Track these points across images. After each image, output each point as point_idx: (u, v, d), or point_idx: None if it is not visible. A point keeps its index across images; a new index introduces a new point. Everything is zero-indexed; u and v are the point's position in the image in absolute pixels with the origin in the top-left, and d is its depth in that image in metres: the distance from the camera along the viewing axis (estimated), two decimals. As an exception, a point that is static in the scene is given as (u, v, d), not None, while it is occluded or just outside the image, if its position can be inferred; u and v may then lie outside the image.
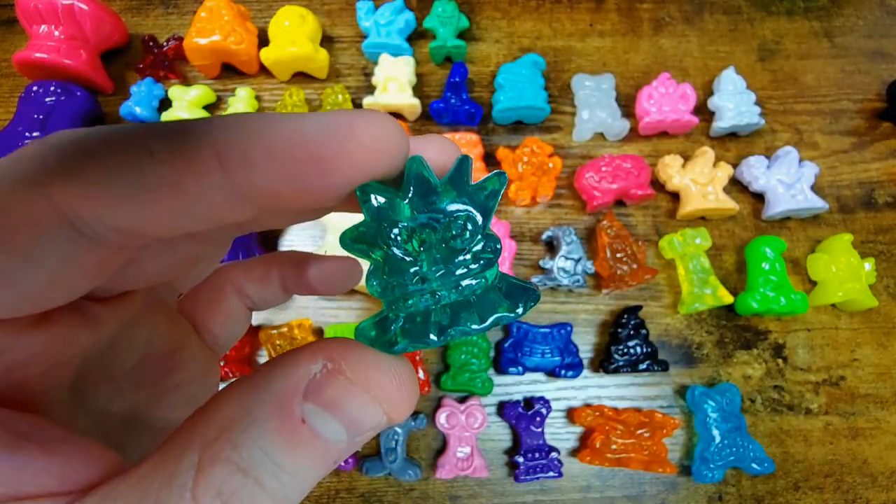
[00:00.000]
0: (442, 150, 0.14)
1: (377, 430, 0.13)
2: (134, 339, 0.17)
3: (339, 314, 0.52)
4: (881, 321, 0.52)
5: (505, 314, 0.14)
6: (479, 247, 0.13)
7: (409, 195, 0.13)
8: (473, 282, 0.14)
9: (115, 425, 0.17)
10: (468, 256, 0.13)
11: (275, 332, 0.49)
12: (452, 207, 0.13)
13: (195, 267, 0.19)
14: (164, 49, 0.59)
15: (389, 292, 0.13)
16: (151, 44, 0.59)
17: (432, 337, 0.13)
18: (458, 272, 0.13)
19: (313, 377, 0.12)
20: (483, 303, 0.14)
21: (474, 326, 0.14)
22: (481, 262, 0.14)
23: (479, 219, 0.13)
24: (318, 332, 0.51)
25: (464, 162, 0.13)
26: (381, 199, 0.13)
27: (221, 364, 0.47)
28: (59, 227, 0.11)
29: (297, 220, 0.16)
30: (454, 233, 0.13)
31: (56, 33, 0.56)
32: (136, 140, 0.11)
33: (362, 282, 0.15)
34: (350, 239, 0.13)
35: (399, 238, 0.13)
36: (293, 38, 0.56)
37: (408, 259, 0.13)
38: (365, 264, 0.14)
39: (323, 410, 0.11)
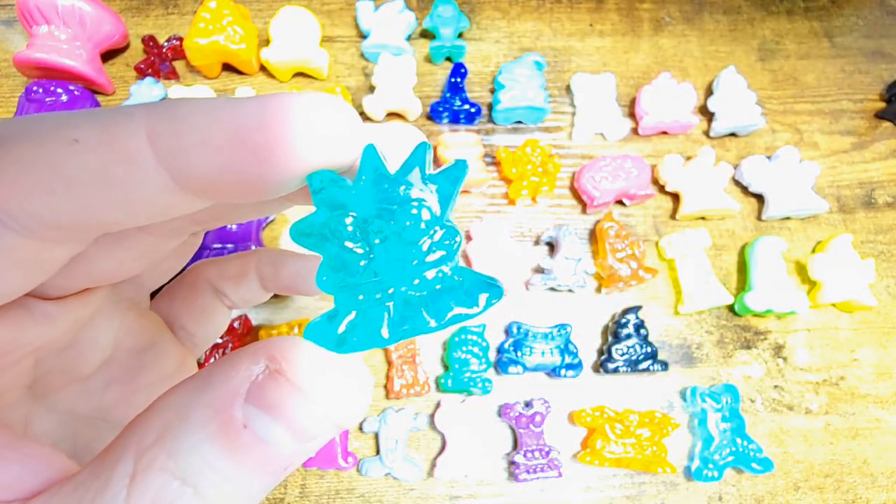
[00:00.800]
0: (400, 137, 0.13)
1: (328, 436, 0.12)
2: (98, 337, 0.17)
3: (339, 314, 0.52)
4: (881, 321, 0.52)
5: (463, 311, 0.13)
6: (438, 238, 0.13)
7: (362, 184, 0.12)
8: (430, 276, 0.13)
9: (84, 427, 0.16)
10: (425, 249, 0.13)
11: (275, 332, 0.49)
12: (408, 197, 0.12)
13: (157, 263, 0.18)
14: (165, 49, 0.59)
15: (340, 288, 0.12)
16: (151, 44, 0.59)
17: (384, 335, 0.12)
18: (414, 266, 0.13)
19: (255, 379, 0.11)
20: (441, 299, 0.13)
21: (431, 324, 0.13)
22: (439, 255, 0.13)
23: (437, 208, 0.13)
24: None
25: (421, 149, 0.13)
26: (331, 189, 0.12)
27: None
28: None
29: (257, 214, 0.16)
30: (409, 224, 0.12)
31: (56, 33, 0.56)
32: (58, 127, 0.10)
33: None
34: (299, 231, 0.12)
35: (350, 229, 0.12)
36: (293, 38, 0.56)
37: (360, 252, 0.12)
38: None
39: (265, 414, 0.11)
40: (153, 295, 0.20)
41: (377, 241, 0.12)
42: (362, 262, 0.12)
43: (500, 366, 0.49)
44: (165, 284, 0.20)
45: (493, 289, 0.13)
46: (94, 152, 0.10)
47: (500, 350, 0.49)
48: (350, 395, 0.12)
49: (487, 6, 0.64)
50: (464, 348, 0.48)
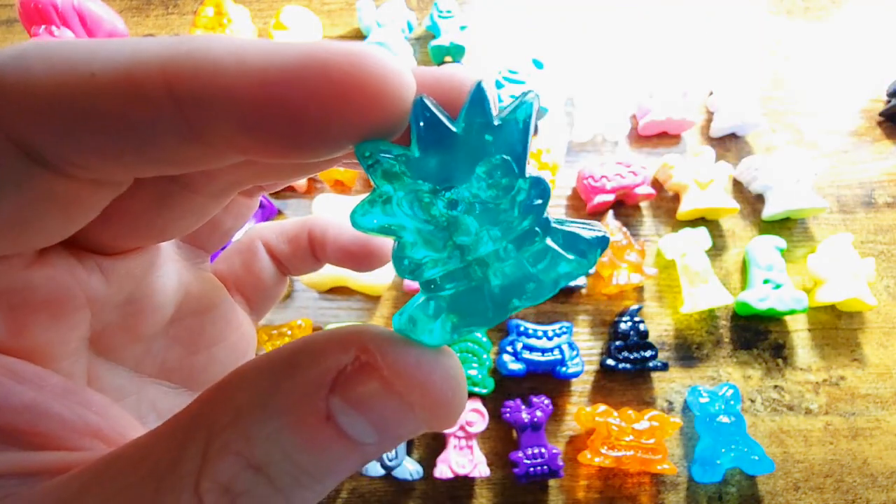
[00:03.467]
0: (449, 81, 0.11)
1: (414, 435, 0.11)
2: (159, 297, 0.16)
3: (340, 314, 0.52)
4: (881, 321, 0.52)
5: (573, 269, 0.11)
6: (522, 195, 0.11)
7: (422, 147, 0.10)
8: (523, 239, 0.11)
9: (148, 388, 0.16)
10: (511, 210, 0.11)
11: (275, 331, 0.49)
12: (477, 152, 0.11)
13: (212, 225, 0.18)
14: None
15: (423, 272, 0.11)
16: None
17: (488, 317, 0.11)
18: (503, 230, 0.11)
19: (343, 369, 0.10)
20: (542, 262, 0.11)
21: (539, 294, 0.11)
22: (530, 212, 0.11)
23: (513, 159, 0.11)
24: (318, 332, 0.51)
25: (480, 91, 0.10)
26: (387, 160, 0.10)
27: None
28: (9, 156, 0.09)
29: (302, 172, 0.15)
30: (488, 183, 0.11)
31: (56, 33, 0.55)
32: (76, 56, 0.09)
33: (366, 278, 0.14)
34: (361, 215, 0.11)
35: (422, 203, 0.10)
36: (293, 38, 0.56)
37: (438, 228, 0.11)
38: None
39: (351, 409, 0.10)
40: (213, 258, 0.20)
41: (456, 211, 0.11)
42: (443, 239, 0.11)
43: (501, 365, 0.49)
44: (225, 247, 0.20)
45: (597, 238, 0.11)
46: (111, 88, 0.09)
47: (500, 349, 0.49)
48: (447, 396, 0.11)
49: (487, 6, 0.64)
50: (465, 346, 0.48)
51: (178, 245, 0.18)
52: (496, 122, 0.10)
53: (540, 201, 0.11)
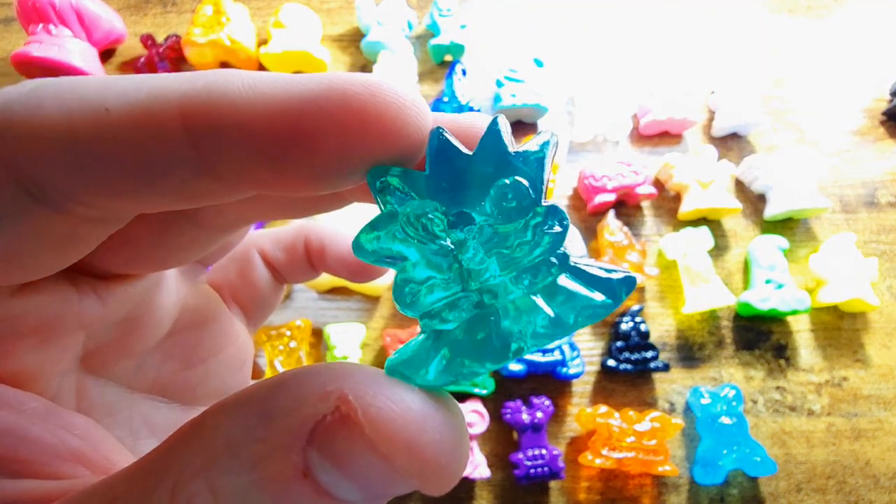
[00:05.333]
0: (469, 128, 0.11)
1: (406, 492, 0.10)
2: (156, 313, 0.16)
3: (339, 314, 0.52)
4: (884, 322, 0.52)
5: (595, 307, 0.10)
6: (537, 220, 0.10)
7: (434, 167, 0.10)
8: (538, 271, 0.10)
9: (140, 403, 0.16)
10: (525, 239, 0.10)
11: (274, 332, 0.49)
12: (492, 179, 0.10)
13: (209, 249, 0.17)
14: (163, 48, 0.59)
15: (424, 299, 0.10)
16: (150, 42, 0.58)
17: (497, 358, 0.10)
18: (516, 261, 0.10)
19: (322, 419, 0.09)
20: (556, 297, 0.10)
21: (554, 331, 0.10)
22: (545, 241, 0.10)
23: (530, 189, 0.10)
24: (318, 333, 0.51)
25: (497, 125, 0.10)
26: (399, 186, 0.10)
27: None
28: (9, 191, 0.09)
29: (314, 209, 0.14)
30: (501, 210, 0.10)
31: (54, 32, 0.55)
32: (88, 92, 0.09)
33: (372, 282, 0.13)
34: (365, 241, 0.10)
35: (431, 230, 0.10)
36: (292, 36, 0.56)
37: (445, 256, 0.10)
38: None
39: (331, 466, 0.09)
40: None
41: (468, 236, 0.10)
42: (450, 267, 0.10)
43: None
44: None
45: (625, 277, 0.10)
46: (124, 124, 0.09)
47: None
48: (438, 466, 0.09)
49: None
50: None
51: None
52: (512, 150, 0.10)
53: (558, 229, 0.10)
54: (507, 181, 0.10)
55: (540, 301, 0.10)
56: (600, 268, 0.10)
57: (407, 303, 0.10)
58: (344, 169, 0.10)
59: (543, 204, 0.10)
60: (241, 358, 0.19)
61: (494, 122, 0.10)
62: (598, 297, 0.10)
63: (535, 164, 0.10)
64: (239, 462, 0.09)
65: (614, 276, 0.10)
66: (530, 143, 0.10)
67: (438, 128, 0.10)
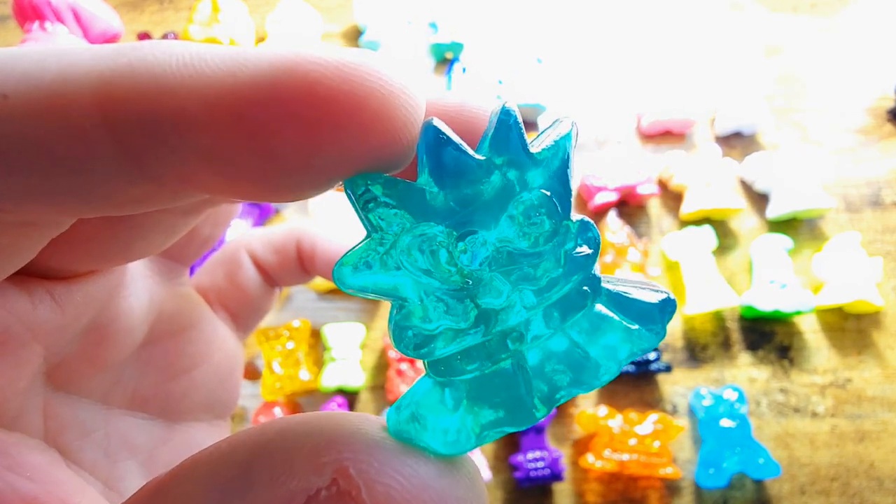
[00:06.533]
0: (459, 112, 0.09)
1: None
2: (128, 319, 0.14)
3: (339, 315, 0.51)
4: (888, 322, 0.52)
5: (638, 344, 0.08)
6: (570, 244, 0.08)
7: (434, 180, 0.08)
8: (568, 301, 0.08)
9: (119, 420, 0.15)
10: (551, 263, 0.08)
11: (272, 333, 0.48)
12: (504, 188, 0.08)
13: (187, 238, 0.15)
14: (160, 45, 0.58)
15: (434, 348, 0.08)
16: (147, 40, 0.58)
17: (529, 416, 0.08)
18: (543, 293, 0.08)
19: (316, 494, 0.07)
20: (593, 334, 0.08)
21: (596, 374, 0.08)
22: (578, 267, 0.08)
23: (555, 199, 0.08)
24: (317, 334, 0.50)
25: (507, 116, 0.08)
26: (390, 196, 0.08)
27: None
28: None
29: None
30: (526, 227, 0.08)
31: (50, 29, 0.55)
32: None
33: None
34: (352, 273, 0.08)
35: (432, 252, 0.08)
36: (290, 34, 0.55)
37: (453, 286, 0.08)
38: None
39: None
40: (192, 270, 0.18)
41: (481, 264, 0.08)
42: (462, 303, 0.08)
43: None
44: (205, 258, 0.18)
45: (664, 301, 0.08)
46: (28, 114, 0.07)
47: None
48: None
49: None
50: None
51: (149, 259, 0.16)
52: (528, 153, 0.08)
53: (590, 251, 0.08)
54: (532, 196, 0.08)
55: (574, 340, 0.08)
56: (635, 285, 0.09)
57: (412, 349, 0.08)
58: (310, 176, 0.08)
59: (573, 219, 0.08)
60: (229, 367, 0.18)
61: (506, 113, 0.08)
62: (642, 328, 0.08)
63: (559, 167, 0.08)
64: None
65: (651, 296, 0.08)
66: (546, 137, 0.08)
67: (431, 122, 0.08)
